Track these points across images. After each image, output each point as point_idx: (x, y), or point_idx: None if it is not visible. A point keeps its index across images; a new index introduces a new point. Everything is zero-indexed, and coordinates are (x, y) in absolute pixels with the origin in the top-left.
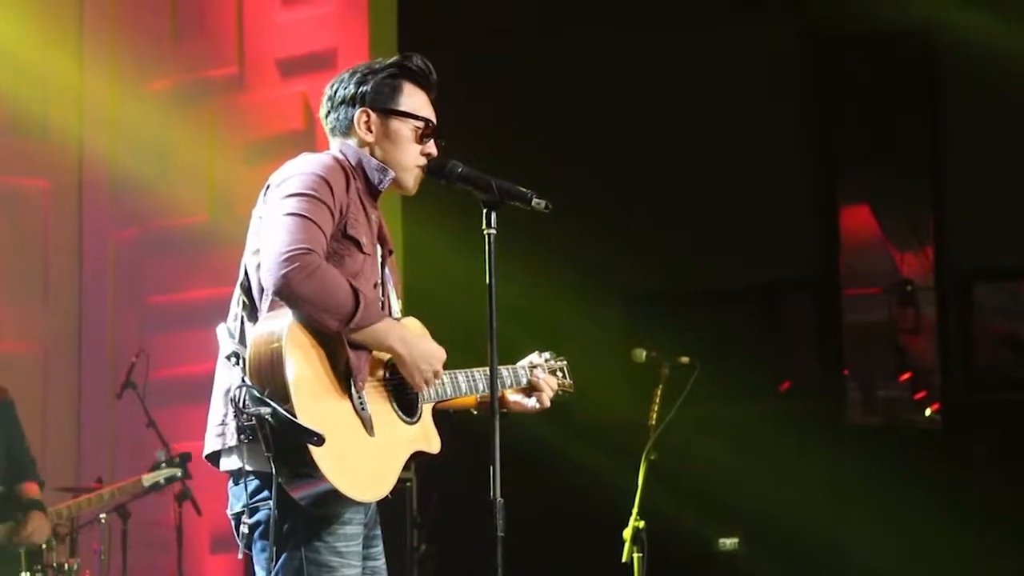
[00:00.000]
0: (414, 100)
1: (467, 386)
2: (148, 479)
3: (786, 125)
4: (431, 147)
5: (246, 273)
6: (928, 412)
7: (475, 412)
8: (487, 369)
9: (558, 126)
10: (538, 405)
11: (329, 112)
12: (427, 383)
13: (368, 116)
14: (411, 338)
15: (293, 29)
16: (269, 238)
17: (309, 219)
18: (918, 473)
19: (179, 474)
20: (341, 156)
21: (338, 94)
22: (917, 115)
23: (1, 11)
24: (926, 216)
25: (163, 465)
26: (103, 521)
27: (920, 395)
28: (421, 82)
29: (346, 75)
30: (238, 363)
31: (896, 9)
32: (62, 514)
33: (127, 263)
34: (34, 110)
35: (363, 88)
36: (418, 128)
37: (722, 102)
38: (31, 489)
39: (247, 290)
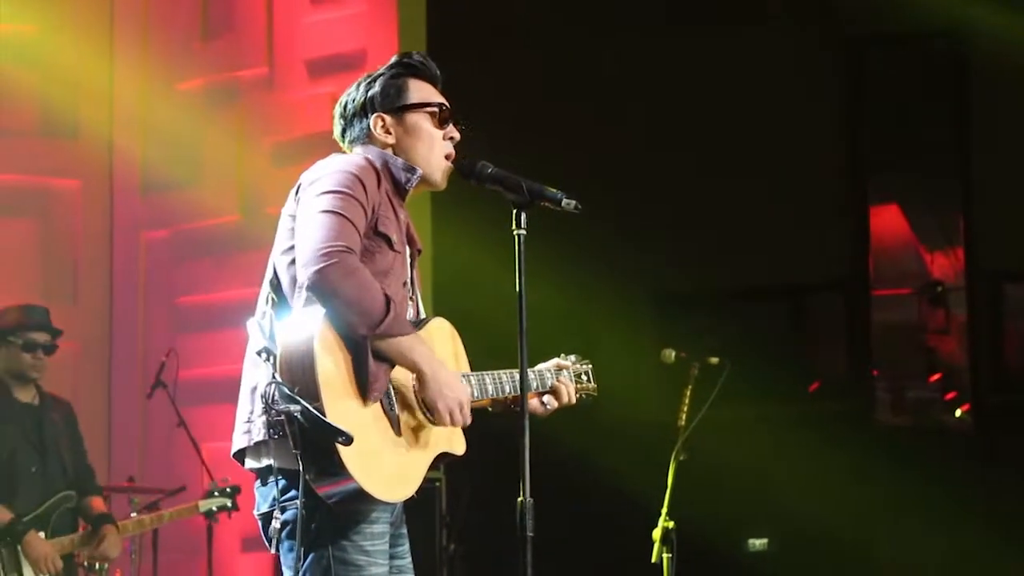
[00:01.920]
0: (422, 92)
1: (493, 388)
2: (203, 505)
3: (816, 124)
4: (452, 131)
5: (275, 270)
6: (958, 413)
7: (490, 409)
8: (512, 371)
9: (587, 125)
10: (544, 408)
11: (345, 128)
12: (450, 412)
13: (383, 120)
14: (437, 360)
15: (322, 30)
16: (305, 234)
17: (344, 217)
18: (948, 474)
19: (228, 504)
20: (369, 157)
21: (348, 108)
22: (947, 114)
23: (32, 11)
24: (956, 216)
25: (216, 494)
26: (133, 515)
27: (950, 395)
28: (425, 75)
29: (352, 88)
30: (268, 359)
31: (926, 8)
32: (127, 528)
33: (157, 263)
34: (65, 110)
35: (371, 93)
36: (434, 114)
37: (752, 102)
38: (99, 503)
39: (276, 287)
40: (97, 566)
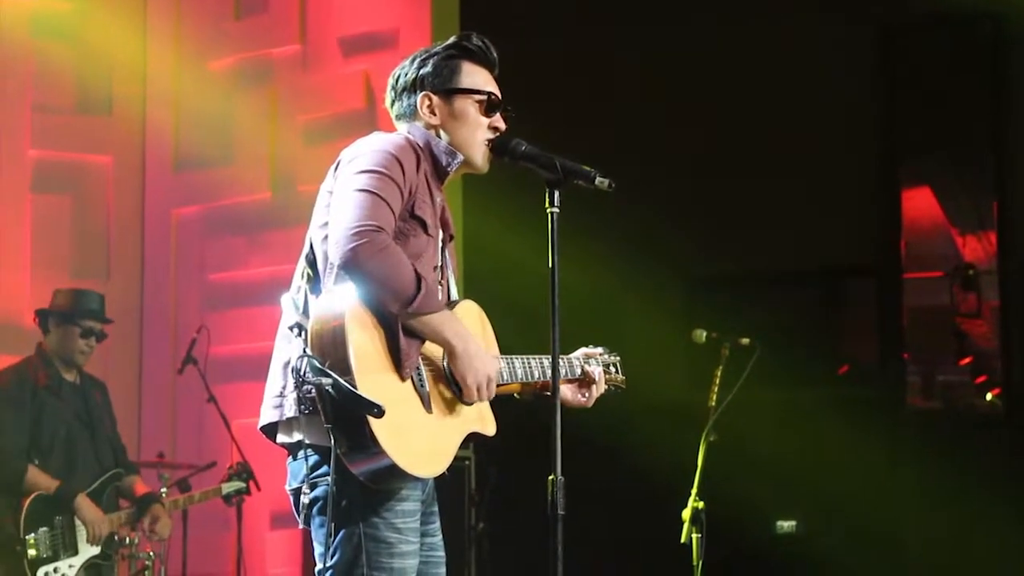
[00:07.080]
0: (474, 77)
1: (523, 372)
2: (225, 488)
3: (849, 107)
4: (498, 120)
5: (311, 246)
6: (989, 397)
7: (517, 396)
8: (542, 357)
9: (620, 107)
10: (583, 400)
11: (394, 101)
12: (478, 386)
13: (430, 99)
14: (468, 335)
15: (355, 8)
16: (339, 212)
17: (380, 196)
18: (978, 458)
19: (244, 488)
20: (412, 137)
21: (400, 82)
22: (981, 97)
23: None
24: (989, 199)
25: (232, 478)
26: (164, 495)
27: (981, 379)
28: (480, 60)
29: (407, 62)
30: (300, 334)
31: None
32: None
33: (189, 240)
34: (99, 87)
35: (423, 71)
36: (481, 102)
37: (785, 85)
38: (140, 483)
39: (312, 263)
40: (128, 539)
